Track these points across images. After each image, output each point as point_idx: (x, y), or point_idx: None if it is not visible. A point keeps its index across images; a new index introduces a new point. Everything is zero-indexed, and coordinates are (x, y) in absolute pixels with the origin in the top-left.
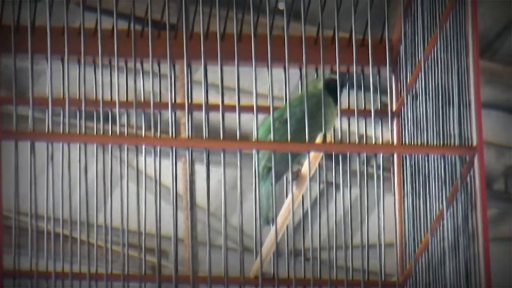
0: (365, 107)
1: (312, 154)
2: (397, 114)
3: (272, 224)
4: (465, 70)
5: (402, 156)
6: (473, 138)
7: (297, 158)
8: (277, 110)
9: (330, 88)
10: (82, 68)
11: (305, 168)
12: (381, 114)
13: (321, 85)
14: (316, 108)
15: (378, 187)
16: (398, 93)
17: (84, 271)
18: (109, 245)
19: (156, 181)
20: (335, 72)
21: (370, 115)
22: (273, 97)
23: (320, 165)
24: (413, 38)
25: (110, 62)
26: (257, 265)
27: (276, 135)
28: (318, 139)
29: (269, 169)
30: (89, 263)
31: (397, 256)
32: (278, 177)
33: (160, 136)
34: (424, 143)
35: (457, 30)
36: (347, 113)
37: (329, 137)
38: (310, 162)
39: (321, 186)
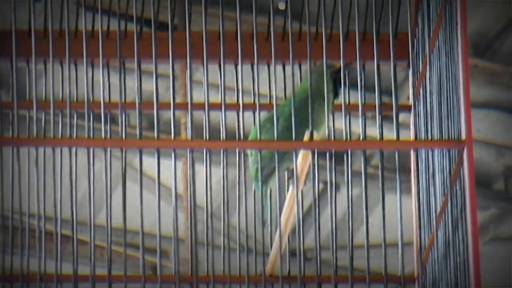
0: (381, 103)
1: (301, 152)
2: (412, 109)
3: (264, 225)
4: (456, 65)
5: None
6: (462, 132)
7: (286, 157)
8: (267, 111)
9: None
10: (82, 69)
11: (301, 168)
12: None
13: (313, 82)
14: (304, 105)
15: (381, 186)
16: (414, 88)
17: (82, 273)
18: (110, 245)
19: (156, 181)
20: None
21: (384, 112)
22: (259, 96)
23: (321, 165)
24: (423, 32)
25: (108, 63)
26: (271, 264)
27: (267, 135)
28: (306, 137)
29: (261, 170)
30: (74, 261)
31: (415, 251)
32: (269, 177)
33: (159, 136)
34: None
35: (451, 27)
36: (356, 110)
37: (316, 135)
38: (302, 160)
39: (321, 186)
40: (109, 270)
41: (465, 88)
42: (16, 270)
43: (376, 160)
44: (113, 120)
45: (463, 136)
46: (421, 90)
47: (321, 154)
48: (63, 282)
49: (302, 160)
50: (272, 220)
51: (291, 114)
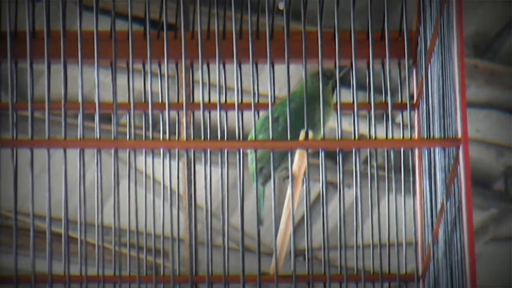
0: (384, 101)
1: (298, 152)
2: (417, 107)
3: (262, 225)
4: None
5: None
6: (458, 130)
7: (286, 157)
8: (268, 111)
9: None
10: (81, 70)
11: (298, 167)
12: (401, 107)
13: (313, 81)
14: (306, 106)
15: (379, 186)
16: (418, 86)
17: (82, 274)
18: (109, 245)
19: (155, 181)
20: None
21: (383, 110)
22: (258, 95)
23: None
24: (424, 31)
25: (111, 64)
26: (274, 263)
27: (266, 134)
28: (301, 137)
29: (260, 169)
30: (81, 262)
31: (417, 250)
32: (267, 177)
33: (162, 137)
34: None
35: (448, 26)
36: (364, 108)
37: (311, 135)
38: (298, 160)
39: (319, 186)
40: (109, 270)
41: (460, 86)
42: (9, 270)
43: (374, 160)
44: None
45: (459, 135)
46: (423, 89)
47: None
48: (62, 283)
49: (299, 159)
50: (271, 220)
51: (292, 114)
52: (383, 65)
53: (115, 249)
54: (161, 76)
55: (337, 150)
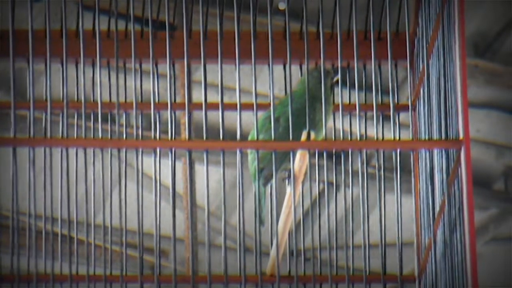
0: (382, 102)
1: (299, 152)
2: (414, 108)
3: (263, 225)
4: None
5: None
6: (459, 132)
7: (287, 157)
8: (268, 110)
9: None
10: (81, 69)
11: (299, 168)
12: (399, 108)
13: (312, 81)
14: (305, 106)
15: (380, 186)
16: (416, 87)
17: (82, 273)
18: (109, 245)
19: (156, 181)
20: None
21: (383, 111)
22: (256, 95)
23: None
24: (423, 32)
25: (108, 63)
26: (272, 263)
27: (267, 135)
28: (303, 137)
29: (260, 170)
30: (88, 263)
31: (416, 250)
32: (268, 177)
33: (159, 136)
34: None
35: (449, 27)
36: (363, 109)
37: (313, 135)
38: (299, 161)
39: (321, 185)
40: (118, 271)
41: (462, 87)
42: (10, 269)
43: (375, 160)
44: (114, 120)
45: (461, 136)
46: (421, 90)
47: (321, 154)
48: (62, 282)
49: (300, 160)
50: (271, 220)
51: (293, 115)
52: (379, 66)
53: (112, 249)
54: (159, 75)
55: (333, 151)
